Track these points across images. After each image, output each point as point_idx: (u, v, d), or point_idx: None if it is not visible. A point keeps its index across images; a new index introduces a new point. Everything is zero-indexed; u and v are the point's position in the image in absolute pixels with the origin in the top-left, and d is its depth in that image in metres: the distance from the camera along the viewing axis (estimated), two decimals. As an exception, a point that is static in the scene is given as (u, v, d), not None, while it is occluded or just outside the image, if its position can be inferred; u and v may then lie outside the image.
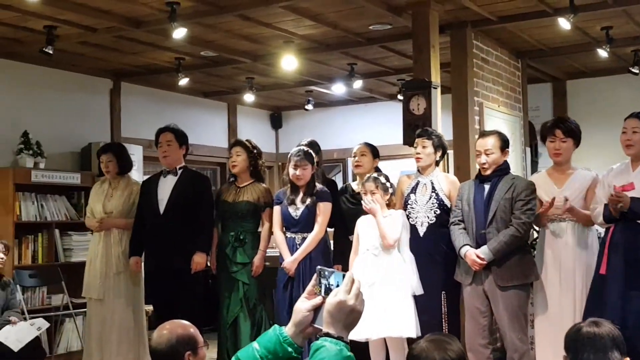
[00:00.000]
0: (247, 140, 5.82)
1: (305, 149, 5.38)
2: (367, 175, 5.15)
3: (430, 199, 4.99)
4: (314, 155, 5.39)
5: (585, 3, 5.81)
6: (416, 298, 4.80)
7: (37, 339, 5.65)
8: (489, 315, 4.74)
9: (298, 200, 5.31)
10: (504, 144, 4.80)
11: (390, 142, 8.22)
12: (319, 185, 5.37)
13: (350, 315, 1.67)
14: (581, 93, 8.58)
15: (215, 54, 7.24)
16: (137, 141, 7.86)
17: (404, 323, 4.70)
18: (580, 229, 4.71)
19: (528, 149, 7.72)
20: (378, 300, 4.59)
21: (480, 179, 4.82)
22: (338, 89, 8.73)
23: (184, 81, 7.53)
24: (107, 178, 5.94)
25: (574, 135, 4.77)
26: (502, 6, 6.01)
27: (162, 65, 7.70)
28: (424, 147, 5.05)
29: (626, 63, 7.63)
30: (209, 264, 5.71)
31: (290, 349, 1.72)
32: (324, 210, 5.28)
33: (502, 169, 4.79)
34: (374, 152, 5.67)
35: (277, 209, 5.42)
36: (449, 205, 4.98)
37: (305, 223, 5.28)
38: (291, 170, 5.28)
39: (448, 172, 6.08)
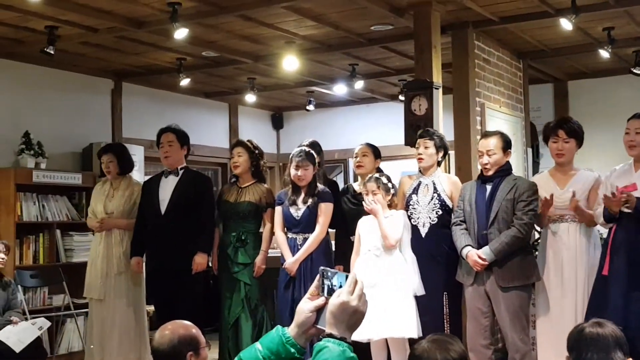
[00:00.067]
0: (248, 140, 5.81)
1: (307, 149, 5.38)
2: (369, 175, 5.15)
3: (432, 199, 4.99)
4: (315, 155, 5.39)
5: (586, 4, 5.81)
6: (418, 298, 4.80)
7: (38, 339, 5.65)
8: (490, 315, 4.74)
9: (299, 200, 5.31)
10: (507, 144, 4.80)
11: (392, 142, 8.22)
12: (320, 186, 5.36)
13: (353, 316, 1.67)
14: (583, 94, 8.57)
15: (217, 55, 7.24)
16: (138, 141, 7.87)
17: (406, 323, 4.70)
18: (582, 230, 4.71)
19: (529, 150, 7.72)
20: (379, 300, 4.59)
21: (482, 179, 4.81)
22: (339, 89, 8.72)
23: (185, 81, 7.53)
24: (108, 178, 5.94)
25: (577, 135, 4.77)
26: (503, 7, 6.00)
27: (163, 65, 7.70)
28: (425, 147, 5.05)
29: (628, 64, 7.62)
30: (210, 265, 5.71)
31: (292, 350, 1.72)
32: (326, 210, 5.28)
33: (504, 170, 4.78)
34: (376, 152, 5.67)
35: (278, 210, 5.41)
36: (450, 206, 4.97)
37: (306, 223, 5.28)
38: (293, 171, 5.28)
39: (449, 172, 6.08)
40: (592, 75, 8.45)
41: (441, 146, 5.09)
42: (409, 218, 4.98)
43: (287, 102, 10.04)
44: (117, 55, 7.21)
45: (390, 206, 4.96)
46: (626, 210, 4.27)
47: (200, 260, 5.43)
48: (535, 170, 7.78)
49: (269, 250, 5.62)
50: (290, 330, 1.74)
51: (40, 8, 5.56)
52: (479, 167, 4.96)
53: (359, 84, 8.09)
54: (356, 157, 5.66)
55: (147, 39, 6.60)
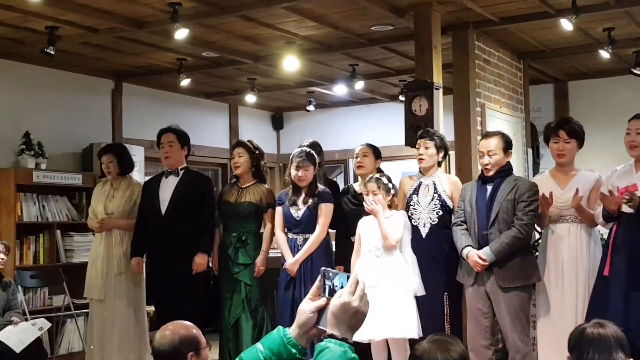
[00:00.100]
0: (248, 140, 5.81)
1: (307, 150, 5.38)
2: (369, 175, 5.15)
3: (432, 200, 4.98)
4: (315, 156, 5.39)
5: (587, 4, 5.81)
6: (418, 299, 4.80)
7: (38, 340, 5.65)
8: (490, 316, 4.74)
9: (300, 201, 5.30)
10: (507, 145, 4.80)
11: (392, 143, 8.22)
12: (320, 186, 5.36)
13: (354, 317, 1.67)
14: (583, 94, 8.57)
15: (217, 55, 7.24)
16: (138, 142, 7.87)
17: (406, 324, 4.70)
18: (583, 230, 4.71)
19: (530, 150, 7.72)
20: (380, 301, 4.58)
21: (483, 179, 4.81)
22: (339, 90, 8.72)
23: (185, 82, 7.53)
24: (108, 179, 5.93)
25: (578, 136, 4.77)
26: (504, 7, 6.00)
27: (163, 66, 7.70)
28: (426, 148, 5.05)
29: (628, 64, 7.62)
30: (210, 265, 5.71)
31: (294, 351, 1.72)
32: (326, 211, 5.28)
33: (505, 170, 4.78)
34: (376, 153, 5.67)
35: (278, 210, 5.41)
36: (451, 206, 4.97)
37: (306, 224, 5.28)
38: (293, 172, 5.28)
39: (449, 173, 6.08)
40: (593, 76, 8.45)
41: (442, 147, 5.09)
42: (410, 218, 4.98)
43: (287, 103, 10.04)
44: (118, 55, 7.21)
45: (390, 206, 4.96)
46: (628, 210, 4.27)
47: (200, 261, 5.43)
48: (536, 170, 7.78)
49: (270, 251, 5.62)
50: (292, 331, 1.74)
51: (41, 8, 5.56)
52: (480, 168, 4.95)
53: (359, 85, 8.09)
54: (356, 157, 5.66)
55: (148, 39, 6.60)
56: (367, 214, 4.98)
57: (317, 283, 1.77)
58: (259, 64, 7.52)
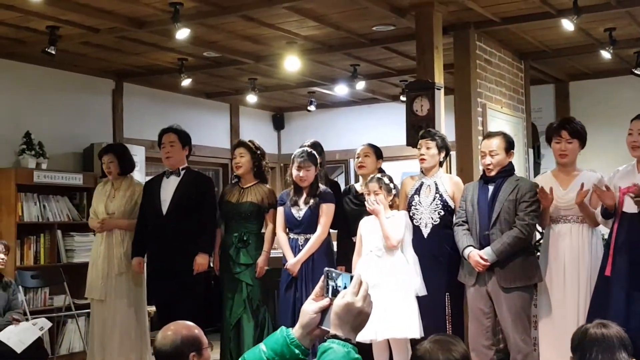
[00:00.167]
0: (250, 140, 5.80)
1: (309, 150, 5.38)
2: (371, 176, 5.15)
3: (434, 200, 4.98)
4: (317, 156, 5.39)
5: (588, 4, 5.81)
6: (420, 299, 4.80)
7: (39, 340, 5.65)
8: (492, 316, 4.73)
9: (301, 201, 5.30)
10: (509, 145, 4.80)
11: (393, 143, 8.21)
12: (322, 187, 5.36)
13: (358, 317, 1.66)
14: (584, 94, 8.57)
15: (218, 55, 7.23)
16: (139, 142, 7.86)
17: (407, 324, 4.70)
18: (584, 230, 4.70)
19: (531, 151, 7.72)
20: (381, 301, 4.58)
21: (485, 180, 4.81)
22: (341, 90, 8.72)
23: (186, 82, 7.53)
24: (109, 179, 5.93)
25: (580, 136, 4.76)
26: (505, 7, 6.00)
27: (164, 65, 7.69)
28: (427, 148, 5.04)
29: (629, 64, 7.62)
30: (211, 265, 5.71)
31: (297, 351, 1.71)
32: (327, 211, 5.28)
33: (507, 170, 4.78)
34: (378, 153, 5.66)
35: (280, 210, 5.41)
36: (452, 207, 4.97)
37: (308, 224, 5.27)
38: (294, 172, 5.28)
39: (451, 173, 6.08)
40: (594, 76, 8.45)
41: (443, 147, 5.08)
42: (411, 219, 4.98)
43: (288, 103, 10.04)
44: (118, 55, 7.21)
45: (392, 207, 4.96)
46: (632, 209, 4.26)
47: (201, 261, 5.42)
48: (537, 171, 7.78)
49: (271, 251, 5.61)
50: (295, 331, 1.73)
51: (42, 8, 5.55)
52: (481, 168, 4.95)
53: (361, 85, 8.09)
54: (358, 157, 5.65)
55: (149, 39, 6.60)
56: (369, 214, 4.97)
57: (320, 283, 1.76)
58: (260, 64, 7.52)
